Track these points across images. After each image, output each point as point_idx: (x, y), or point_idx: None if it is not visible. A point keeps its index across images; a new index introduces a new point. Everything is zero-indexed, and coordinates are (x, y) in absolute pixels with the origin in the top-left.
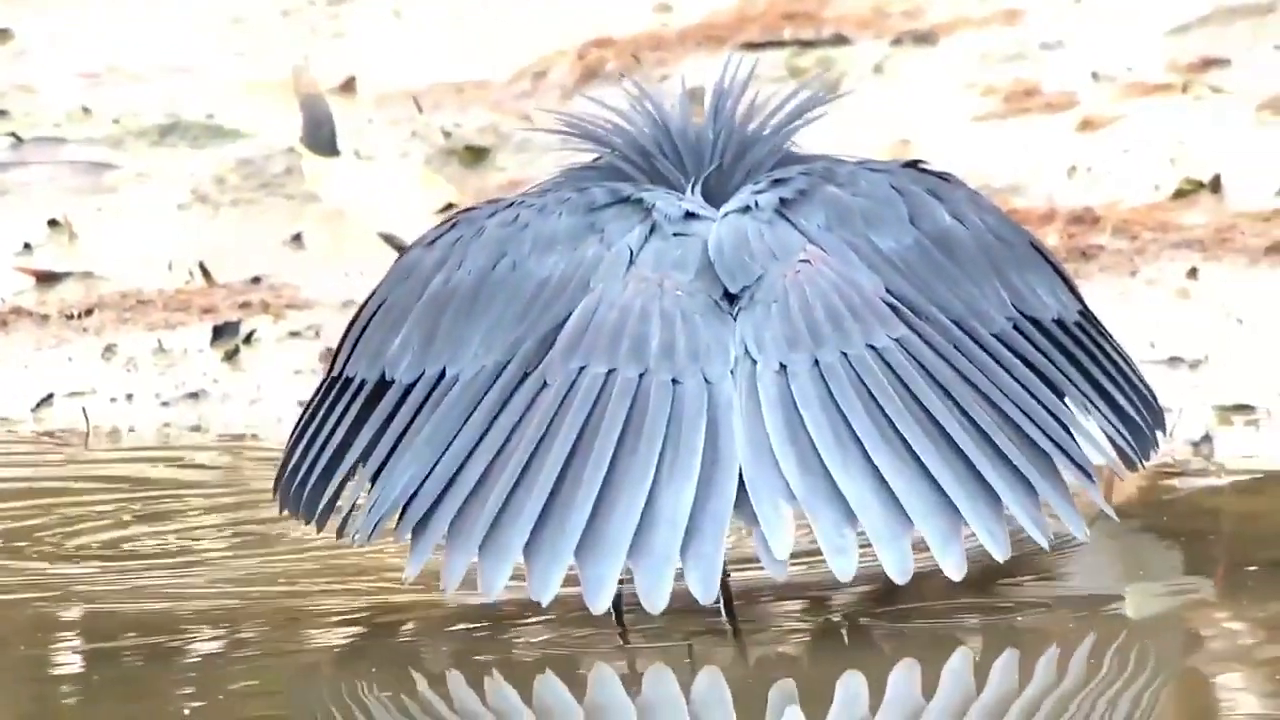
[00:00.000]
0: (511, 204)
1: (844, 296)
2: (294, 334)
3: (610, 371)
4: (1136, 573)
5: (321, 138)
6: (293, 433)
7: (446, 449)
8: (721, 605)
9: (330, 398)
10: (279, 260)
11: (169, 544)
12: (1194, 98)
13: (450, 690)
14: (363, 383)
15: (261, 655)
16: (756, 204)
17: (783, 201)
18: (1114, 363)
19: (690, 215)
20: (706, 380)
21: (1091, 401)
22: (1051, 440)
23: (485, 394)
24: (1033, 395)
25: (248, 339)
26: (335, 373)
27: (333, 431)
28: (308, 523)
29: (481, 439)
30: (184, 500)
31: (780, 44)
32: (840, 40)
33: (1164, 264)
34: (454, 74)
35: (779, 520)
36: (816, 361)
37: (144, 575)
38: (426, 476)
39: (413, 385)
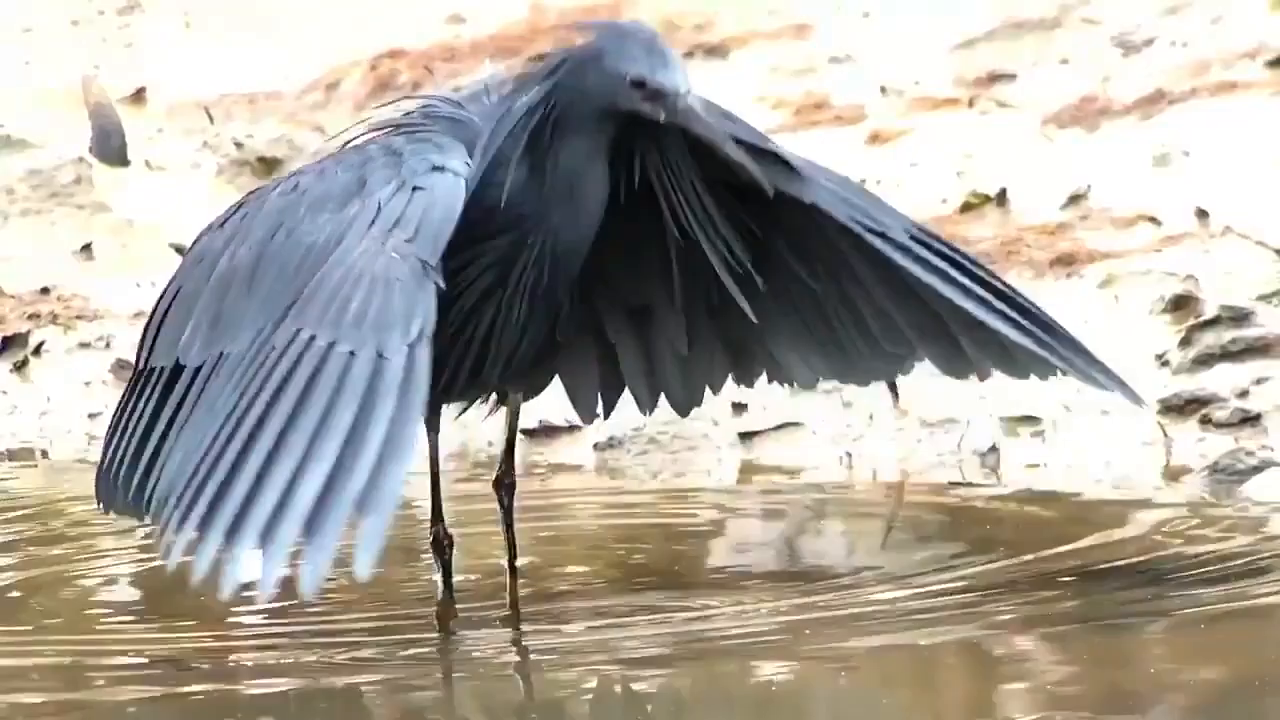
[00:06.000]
0: (298, 172)
1: None
2: (84, 345)
3: (312, 337)
4: (922, 582)
5: (111, 148)
6: (108, 431)
7: (207, 433)
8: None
9: (135, 391)
10: (69, 271)
11: None
12: (980, 112)
13: None
14: (162, 371)
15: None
16: None
17: None
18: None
19: (437, 169)
20: (380, 355)
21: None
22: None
23: (240, 371)
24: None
25: (37, 350)
26: (141, 365)
27: (137, 425)
28: (120, 515)
29: (227, 419)
30: None
31: None
32: None
33: None
34: (245, 85)
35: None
36: None
37: None
38: (200, 462)
39: (199, 369)
